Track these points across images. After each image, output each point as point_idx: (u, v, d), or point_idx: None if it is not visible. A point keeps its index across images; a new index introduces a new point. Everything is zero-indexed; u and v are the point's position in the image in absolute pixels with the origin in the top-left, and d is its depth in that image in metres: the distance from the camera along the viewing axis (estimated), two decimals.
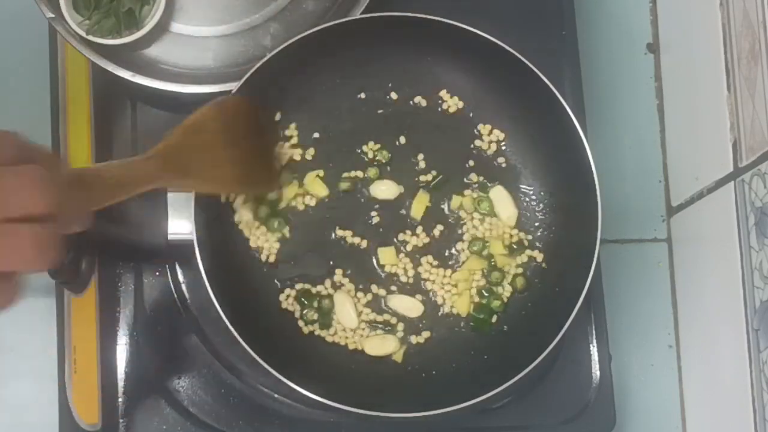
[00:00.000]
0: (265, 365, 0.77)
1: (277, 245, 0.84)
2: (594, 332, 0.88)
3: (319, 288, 0.84)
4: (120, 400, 0.84)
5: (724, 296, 0.87)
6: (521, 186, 0.87)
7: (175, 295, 0.86)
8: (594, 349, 0.87)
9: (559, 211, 0.86)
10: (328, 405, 0.77)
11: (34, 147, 0.59)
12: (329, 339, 0.84)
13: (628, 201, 0.99)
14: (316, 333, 0.84)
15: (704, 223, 0.93)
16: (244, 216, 0.84)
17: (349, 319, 0.84)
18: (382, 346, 0.83)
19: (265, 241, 0.84)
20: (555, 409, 0.87)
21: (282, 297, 0.84)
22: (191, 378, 0.86)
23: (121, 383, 0.85)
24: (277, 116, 0.86)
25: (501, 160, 0.87)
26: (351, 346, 0.84)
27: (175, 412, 0.84)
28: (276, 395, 0.85)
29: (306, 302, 0.84)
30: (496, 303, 0.85)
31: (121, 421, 0.84)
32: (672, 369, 0.97)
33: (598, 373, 0.87)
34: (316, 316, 0.84)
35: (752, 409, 0.83)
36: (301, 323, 0.84)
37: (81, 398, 0.84)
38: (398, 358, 0.84)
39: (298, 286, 0.84)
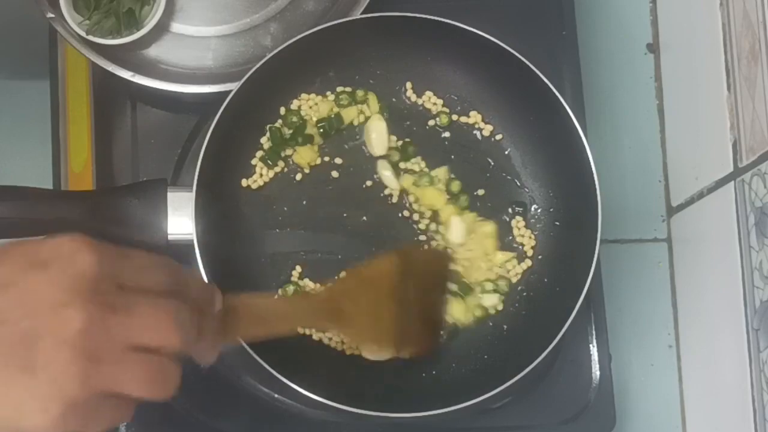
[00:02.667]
0: (265, 365, 0.77)
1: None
2: (594, 332, 0.88)
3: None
4: None
5: (724, 296, 0.87)
6: (521, 186, 0.87)
7: None
8: (594, 349, 0.88)
9: (559, 211, 0.86)
10: (328, 405, 0.77)
11: (189, 279, 0.59)
12: (326, 342, 0.84)
13: (628, 201, 0.99)
14: (315, 336, 0.84)
15: (704, 223, 0.93)
16: None
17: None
18: (378, 351, 0.83)
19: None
20: (555, 409, 0.87)
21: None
22: (191, 378, 0.85)
23: None
24: (282, 111, 0.87)
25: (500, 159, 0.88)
26: (348, 351, 0.84)
27: (174, 411, 0.84)
28: (276, 395, 0.85)
29: None
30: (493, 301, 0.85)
31: (127, 420, 0.83)
32: (672, 369, 0.97)
33: (598, 373, 0.87)
34: None
35: (752, 409, 0.83)
36: None
37: None
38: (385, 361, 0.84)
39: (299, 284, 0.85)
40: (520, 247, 0.86)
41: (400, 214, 0.86)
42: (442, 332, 0.82)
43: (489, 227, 0.86)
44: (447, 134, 0.88)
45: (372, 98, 0.87)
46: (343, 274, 0.79)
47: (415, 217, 0.86)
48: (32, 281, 0.52)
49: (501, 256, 0.86)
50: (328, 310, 0.72)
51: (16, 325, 0.51)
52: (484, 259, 0.86)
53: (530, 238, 0.87)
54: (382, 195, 0.86)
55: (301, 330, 0.84)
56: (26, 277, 0.52)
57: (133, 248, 0.57)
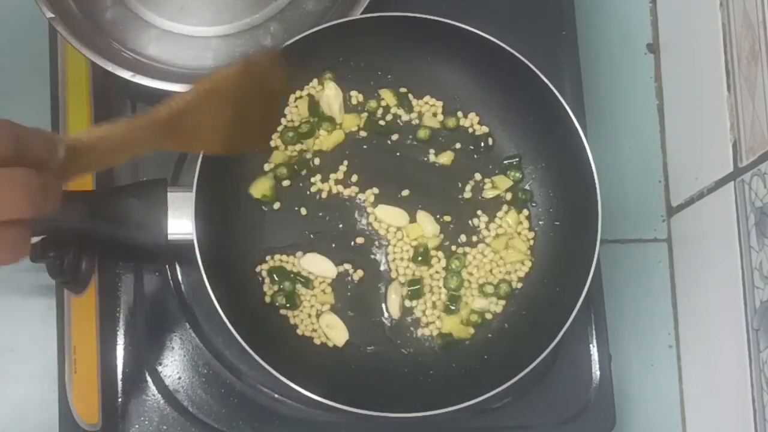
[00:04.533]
0: (266, 365, 0.77)
1: None
2: (594, 332, 0.88)
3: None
4: (120, 400, 0.84)
5: (724, 296, 0.87)
6: (521, 186, 0.87)
7: (175, 295, 0.86)
8: (594, 349, 0.87)
9: (559, 211, 0.86)
10: (328, 405, 0.77)
11: (30, 134, 0.58)
12: (327, 343, 0.84)
13: (628, 201, 0.99)
14: (307, 335, 0.84)
15: (704, 223, 0.93)
16: None
17: (329, 269, 0.84)
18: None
19: None
20: (555, 409, 0.87)
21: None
22: (191, 378, 0.86)
23: (121, 383, 0.85)
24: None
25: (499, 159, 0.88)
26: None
27: (175, 412, 0.84)
28: (276, 395, 0.85)
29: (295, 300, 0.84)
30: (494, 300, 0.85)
31: (121, 421, 0.84)
32: (672, 369, 0.97)
33: (598, 373, 0.87)
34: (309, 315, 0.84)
35: (752, 409, 0.83)
36: (295, 321, 0.84)
37: (81, 398, 0.84)
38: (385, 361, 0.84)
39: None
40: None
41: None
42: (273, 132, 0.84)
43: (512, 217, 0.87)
44: (446, 134, 0.88)
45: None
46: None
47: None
48: None
49: (513, 254, 0.86)
50: (172, 131, 0.71)
51: None
52: (495, 256, 0.86)
53: (530, 238, 0.87)
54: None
55: (300, 332, 0.84)
56: None
57: None
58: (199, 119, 0.72)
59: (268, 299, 0.84)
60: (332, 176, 0.87)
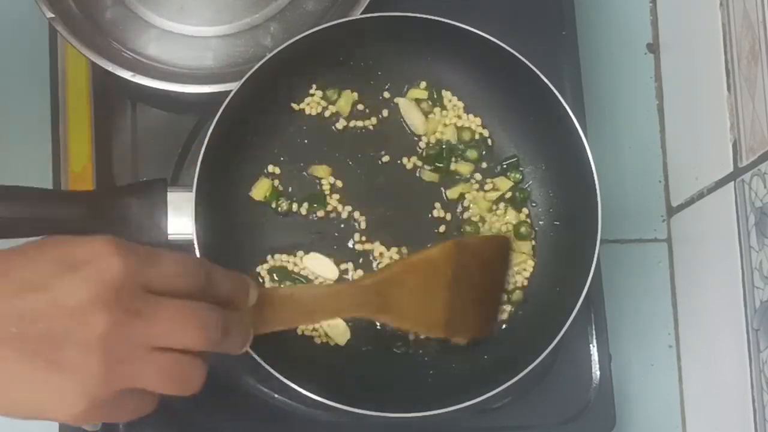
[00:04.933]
0: (265, 365, 0.77)
1: None
2: (594, 332, 0.88)
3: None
4: None
5: (724, 296, 0.87)
6: (521, 186, 0.87)
7: None
8: (594, 349, 0.87)
9: (559, 211, 0.86)
10: (328, 405, 0.77)
11: (219, 276, 0.60)
12: (318, 340, 0.84)
13: (628, 201, 0.99)
14: (308, 334, 0.84)
15: (704, 223, 0.93)
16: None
17: (330, 271, 0.84)
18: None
19: None
20: (555, 409, 0.87)
21: None
22: None
23: None
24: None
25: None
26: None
27: (175, 412, 0.84)
28: (276, 395, 0.85)
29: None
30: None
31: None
32: (672, 369, 0.97)
33: (598, 373, 0.87)
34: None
35: (752, 409, 0.83)
36: None
37: None
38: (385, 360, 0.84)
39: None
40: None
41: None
42: (498, 316, 0.83)
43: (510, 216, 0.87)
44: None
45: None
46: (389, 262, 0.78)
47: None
48: (63, 284, 0.55)
49: (516, 256, 0.86)
50: (376, 301, 0.73)
51: (46, 325, 0.54)
52: None
53: (532, 238, 0.87)
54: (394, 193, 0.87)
55: (300, 332, 0.84)
56: (58, 280, 0.55)
57: (163, 250, 0.59)
58: (409, 293, 0.74)
59: None
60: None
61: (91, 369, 0.54)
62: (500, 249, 0.83)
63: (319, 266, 0.85)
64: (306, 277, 0.85)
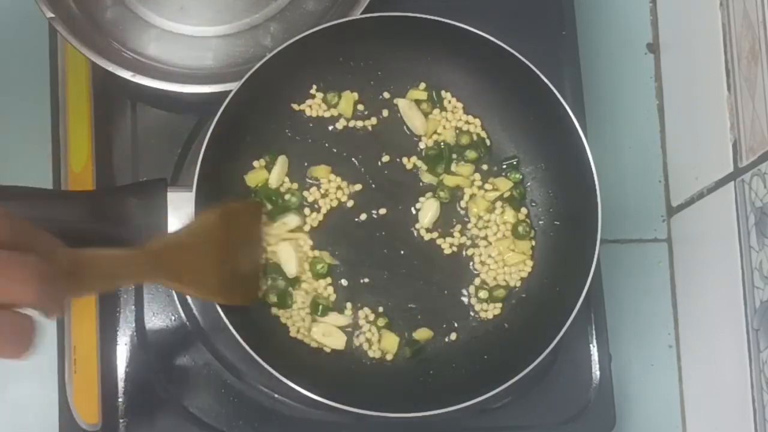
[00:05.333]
0: (265, 365, 0.77)
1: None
2: (594, 332, 0.88)
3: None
4: (120, 400, 0.84)
5: (724, 296, 0.87)
6: (521, 186, 0.87)
7: (175, 295, 0.86)
8: (594, 349, 0.87)
9: (559, 211, 0.86)
10: (328, 405, 0.77)
11: (31, 231, 0.58)
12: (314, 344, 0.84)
13: (628, 201, 0.99)
14: (313, 344, 0.84)
15: (704, 223, 0.93)
16: None
17: (290, 267, 0.84)
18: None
19: None
20: (555, 409, 0.87)
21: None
22: (191, 378, 0.86)
23: (121, 383, 0.84)
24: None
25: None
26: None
27: (175, 412, 0.84)
28: (276, 395, 0.85)
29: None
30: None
31: (121, 421, 0.84)
32: (672, 369, 0.97)
33: (598, 373, 0.87)
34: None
35: (752, 409, 0.83)
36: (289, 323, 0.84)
37: (81, 398, 0.84)
38: (391, 359, 0.84)
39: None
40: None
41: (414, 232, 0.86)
42: (261, 279, 0.84)
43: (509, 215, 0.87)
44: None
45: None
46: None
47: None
48: None
49: (515, 256, 0.86)
50: (163, 266, 0.74)
51: None
52: (497, 258, 0.86)
53: (531, 238, 0.87)
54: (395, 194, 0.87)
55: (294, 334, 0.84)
56: None
57: None
58: (190, 259, 0.76)
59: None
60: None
61: None
62: (255, 214, 0.84)
63: (328, 335, 0.85)
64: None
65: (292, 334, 0.84)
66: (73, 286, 0.62)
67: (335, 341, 0.84)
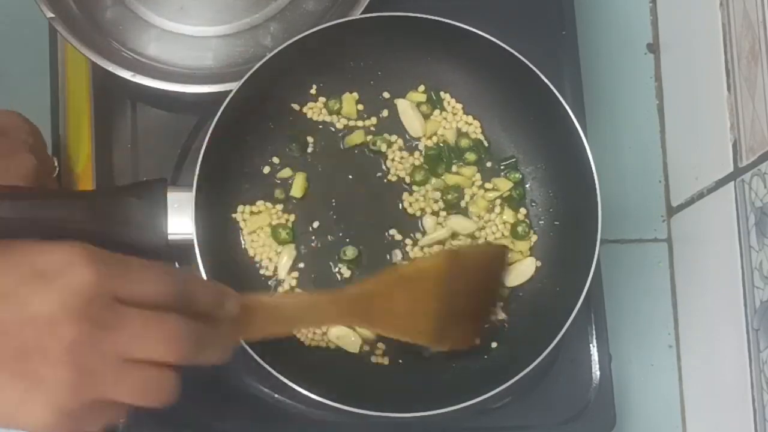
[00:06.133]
0: (265, 365, 0.77)
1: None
2: (594, 332, 0.88)
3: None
4: None
5: (724, 296, 0.87)
6: (520, 186, 0.87)
7: None
8: (594, 349, 0.87)
9: (559, 211, 0.86)
10: (328, 405, 0.77)
11: (194, 287, 0.59)
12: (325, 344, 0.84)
13: (628, 201, 0.99)
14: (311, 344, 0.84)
15: (704, 223, 0.93)
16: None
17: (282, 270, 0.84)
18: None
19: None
20: (555, 409, 0.87)
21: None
22: (191, 378, 0.85)
23: None
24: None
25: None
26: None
27: (175, 411, 0.84)
28: (276, 395, 0.85)
29: None
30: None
31: (121, 421, 0.84)
32: (672, 369, 0.97)
33: (598, 373, 0.87)
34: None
35: (752, 409, 0.83)
36: None
37: None
38: (385, 361, 0.84)
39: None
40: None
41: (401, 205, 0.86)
42: (486, 325, 0.82)
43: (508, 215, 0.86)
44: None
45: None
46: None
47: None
48: (33, 294, 0.54)
49: (514, 255, 0.86)
50: (357, 311, 0.73)
51: (14, 336, 0.54)
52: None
53: (530, 237, 0.87)
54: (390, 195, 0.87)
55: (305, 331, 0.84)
56: (28, 290, 0.54)
57: (135, 257, 0.58)
58: (396, 304, 0.73)
59: None
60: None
61: (60, 380, 0.54)
62: (496, 258, 0.82)
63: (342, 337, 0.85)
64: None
65: (301, 337, 0.84)
66: (247, 332, 0.65)
67: (350, 344, 0.84)
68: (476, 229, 0.85)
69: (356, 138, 0.87)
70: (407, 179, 0.86)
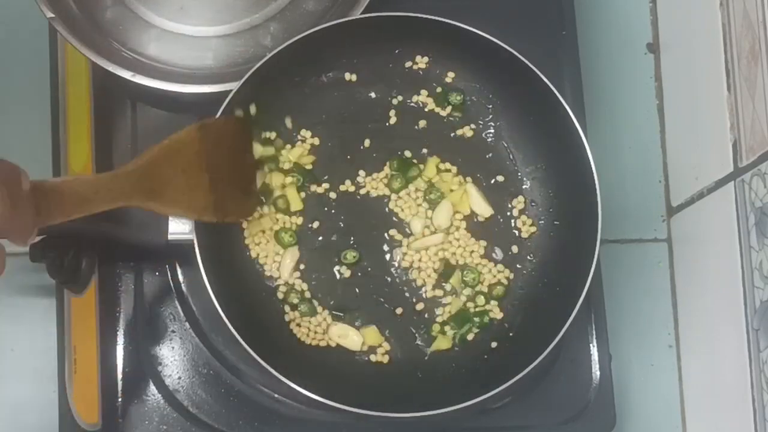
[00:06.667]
0: (265, 365, 0.77)
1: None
2: (594, 332, 0.88)
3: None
4: (120, 400, 0.84)
5: (724, 296, 0.87)
6: (521, 186, 0.87)
7: (175, 295, 0.86)
8: (594, 349, 0.87)
9: (559, 211, 0.86)
10: (328, 405, 0.77)
11: None
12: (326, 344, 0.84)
13: (628, 201, 0.99)
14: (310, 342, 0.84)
15: (704, 223, 0.93)
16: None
17: (285, 270, 0.84)
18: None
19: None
20: (555, 409, 0.87)
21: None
22: (191, 378, 0.86)
23: (121, 383, 0.85)
24: (287, 121, 0.87)
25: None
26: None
27: (175, 411, 0.84)
28: (276, 395, 0.85)
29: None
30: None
31: (121, 421, 0.84)
32: (672, 369, 0.97)
33: (598, 373, 0.87)
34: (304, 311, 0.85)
35: (752, 409, 0.83)
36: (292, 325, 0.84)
37: (81, 398, 0.84)
38: (385, 360, 0.84)
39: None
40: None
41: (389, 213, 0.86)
42: (255, 193, 0.84)
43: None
44: (446, 134, 0.88)
45: None
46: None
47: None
48: None
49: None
50: (139, 186, 0.74)
51: None
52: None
53: (530, 237, 0.87)
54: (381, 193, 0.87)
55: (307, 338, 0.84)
56: None
57: None
58: (170, 177, 0.75)
59: (287, 311, 0.85)
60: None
61: None
62: (240, 128, 0.83)
63: (346, 337, 0.85)
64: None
65: (301, 336, 0.84)
66: (41, 215, 0.64)
67: (351, 342, 0.84)
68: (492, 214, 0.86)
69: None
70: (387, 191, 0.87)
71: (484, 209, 0.86)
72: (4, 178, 0.61)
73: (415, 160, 0.87)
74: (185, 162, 0.77)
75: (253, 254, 0.85)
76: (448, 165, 0.87)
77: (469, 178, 0.87)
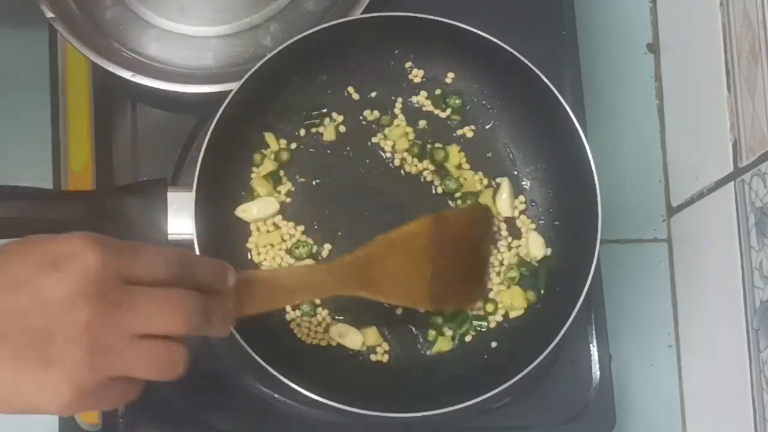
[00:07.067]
0: (265, 365, 0.77)
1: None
2: (594, 332, 0.88)
3: None
4: None
5: (724, 296, 0.87)
6: (521, 186, 0.87)
7: None
8: (594, 349, 0.87)
9: (559, 211, 0.86)
10: (328, 405, 0.77)
11: (196, 264, 0.62)
12: (326, 343, 0.84)
13: (628, 201, 0.99)
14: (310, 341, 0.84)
15: (704, 223, 0.93)
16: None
17: (355, 342, 0.84)
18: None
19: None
20: (555, 409, 0.87)
21: None
22: (191, 377, 0.85)
23: None
24: (287, 121, 0.87)
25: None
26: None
27: (175, 412, 0.84)
28: (276, 395, 0.85)
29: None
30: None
31: (121, 421, 0.84)
32: (672, 369, 0.97)
33: (598, 373, 0.87)
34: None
35: (752, 409, 0.83)
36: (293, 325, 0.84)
37: None
38: (385, 359, 0.84)
39: None
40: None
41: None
42: (486, 283, 0.83)
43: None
44: (445, 133, 0.88)
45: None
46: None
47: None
48: (44, 281, 0.57)
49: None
50: (354, 278, 0.74)
51: (30, 323, 0.56)
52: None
53: (529, 223, 0.87)
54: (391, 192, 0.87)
55: (300, 335, 0.84)
56: (38, 277, 0.57)
57: (140, 242, 0.61)
58: (391, 269, 0.75)
59: (288, 311, 0.84)
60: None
61: (77, 360, 0.56)
62: (481, 218, 0.83)
63: (346, 336, 0.85)
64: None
65: (302, 336, 0.84)
66: (244, 305, 0.67)
67: (351, 341, 0.84)
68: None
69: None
70: (408, 158, 0.86)
71: (506, 210, 0.86)
72: (209, 282, 0.62)
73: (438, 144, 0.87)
74: (411, 254, 0.77)
75: (256, 259, 0.84)
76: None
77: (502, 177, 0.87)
